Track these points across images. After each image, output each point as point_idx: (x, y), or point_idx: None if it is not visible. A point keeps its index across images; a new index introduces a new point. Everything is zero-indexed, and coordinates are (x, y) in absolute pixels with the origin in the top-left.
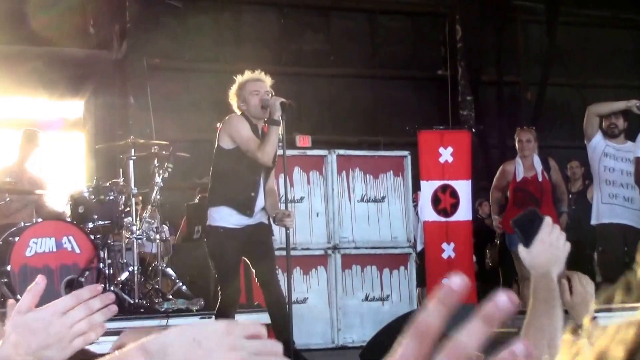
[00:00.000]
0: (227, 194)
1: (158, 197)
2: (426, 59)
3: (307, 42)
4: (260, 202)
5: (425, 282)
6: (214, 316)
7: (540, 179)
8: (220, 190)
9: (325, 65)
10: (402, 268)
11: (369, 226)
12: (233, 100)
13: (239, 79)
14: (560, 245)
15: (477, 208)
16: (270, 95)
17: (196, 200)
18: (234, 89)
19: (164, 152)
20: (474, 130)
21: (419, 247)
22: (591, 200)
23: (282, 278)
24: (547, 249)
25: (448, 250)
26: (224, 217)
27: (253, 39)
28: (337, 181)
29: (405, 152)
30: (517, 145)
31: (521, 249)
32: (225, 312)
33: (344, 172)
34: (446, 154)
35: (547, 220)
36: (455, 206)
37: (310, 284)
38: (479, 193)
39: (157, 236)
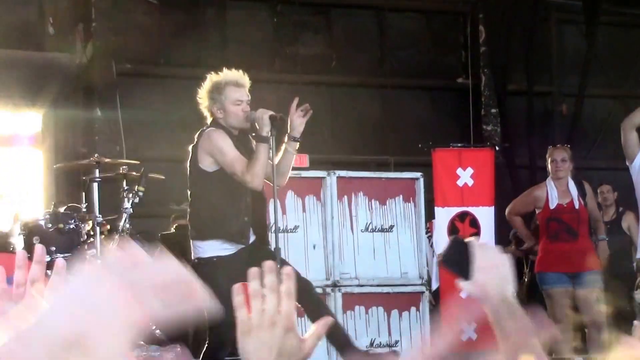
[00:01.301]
0: (215, 225)
1: (127, 225)
2: (444, 65)
3: (305, 45)
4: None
5: None
6: None
7: (577, 206)
8: (207, 221)
9: (326, 72)
10: (413, 309)
11: (375, 260)
12: (204, 100)
13: (213, 77)
14: (501, 261)
15: (511, 239)
16: (249, 101)
17: (172, 230)
18: (206, 87)
19: (134, 173)
20: (498, 148)
21: (434, 285)
22: (627, 230)
23: None
24: (490, 272)
25: None
26: (215, 248)
27: (241, 40)
28: (337, 207)
29: (418, 174)
30: (549, 166)
31: (464, 285)
32: (214, 354)
33: (346, 196)
34: (465, 176)
35: (475, 243)
36: (475, 237)
37: (305, 329)
38: (502, 221)
39: None
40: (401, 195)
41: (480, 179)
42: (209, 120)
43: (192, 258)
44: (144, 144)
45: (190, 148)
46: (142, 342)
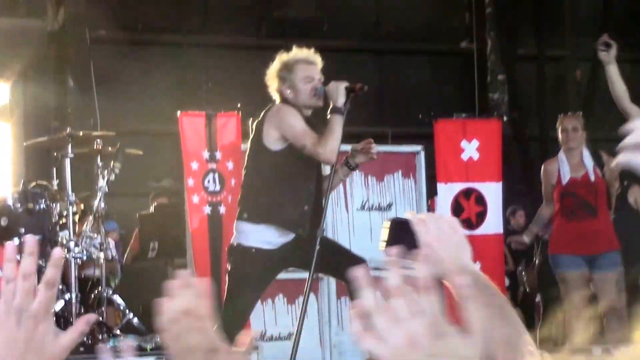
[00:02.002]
0: (273, 209)
1: (102, 205)
2: (445, 28)
3: (294, 7)
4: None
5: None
6: None
7: (592, 178)
8: (264, 205)
9: (317, 37)
10: None
11: (372, 241)
12: (273, 82)
13: (283, 56)
14: (445, 227)
15: (509, 218)
16: (321, 80)
17: (151, 210)
18: (275, 68)
19: (110, 149)
20: (506, 118)
21: None
22: (634, 203)
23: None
24: (439, 244)
25: None
26: (264, 237)
27: (225, 4)
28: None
29: (418, 147)
30: (560, 136)
31: (416, 266)
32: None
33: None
34: (470, 149)
35: (412, 218)
36: (482, 216)
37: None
38: (513, 199)
39: (101, 255)
40: (400, 171)
41: (487, 152)
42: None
43: (232, 240)
44: (120, 117)
45: (254, 125)
46: (118, 332)
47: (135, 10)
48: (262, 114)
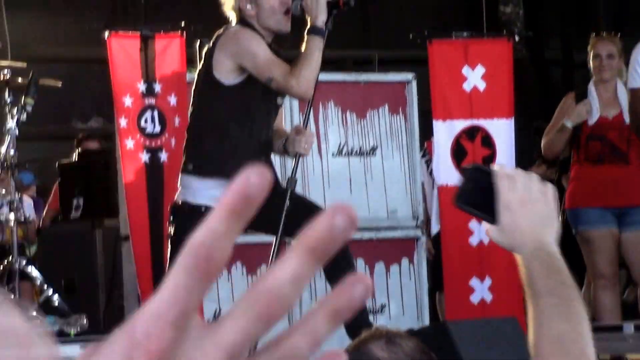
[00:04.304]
0: (226, 158)
1: (12, 152)
2: None
3: None
4: None
5: (442, 283)
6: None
7: (627, 120)
8: (212, 153)
9: None
10: (405, 262)
11: (352, 194)
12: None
13: None
14: (538, 193)
15: (528, 168)
16: None
17: (74, 158)
18: None
19: (19, 80)
20: (517, 38)
21: (434, 229)
22: None
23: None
24: (522, 210)
25: (479, 233)
26: (215, 193)
27: None
28: (299, 123)
29: (409, 75)
30: (591, 63)
31: (489, 229)
32: None
33: (312, 107)
34: (475, 78)
35: (499, 171)
36: (489, 161)
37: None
38: (528, 135)
39: (12, 215)
40: (387, 105)
41: (495, 81)
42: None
43: (176, 197)
44: (35, 40)
45: (203, 51)
46: (34, 313)
47: None
48: (213, 38)
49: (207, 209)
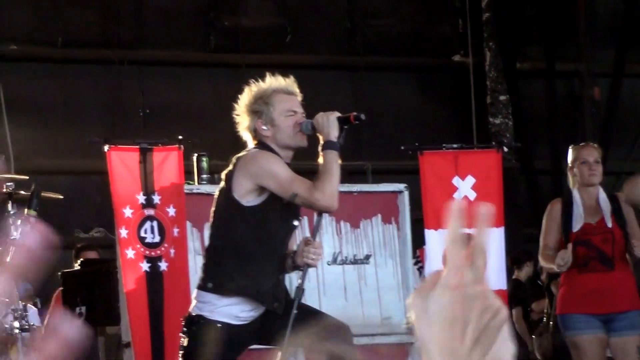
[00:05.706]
0: (244, 278)
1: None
2: (435, 38)
3: (249, 14)
4: None
5: None
6: None
7: (609, 224)
8: (234, 274)
9: (280, 51)
10: None
11: (347, 301)
12: (244, 118)
13: (254, 87)
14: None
15: (514, 269)
16: (304, 114)
17: (76, 266)
18: (248, 100)
19: (23, 192)
20: (506, 149)
21: None
22: None
23: None
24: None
25: None
26: (233, 311)
27: (163, 11)
28: (294, 232)
29: (401, 186)
30: (576, 169)
31: None
32: None
33: (306, 217)
34: (465, 188)
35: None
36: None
37: None
38: (518, 243)
39: (16, 324)
40: (380, 215)
41: (485, 191)
42: (251, 144)
43: (192, 310)
44: (36, 153)
45: (222, 174)
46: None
47: (54, 20)
48: (233, 160)
49: (223, 324)
